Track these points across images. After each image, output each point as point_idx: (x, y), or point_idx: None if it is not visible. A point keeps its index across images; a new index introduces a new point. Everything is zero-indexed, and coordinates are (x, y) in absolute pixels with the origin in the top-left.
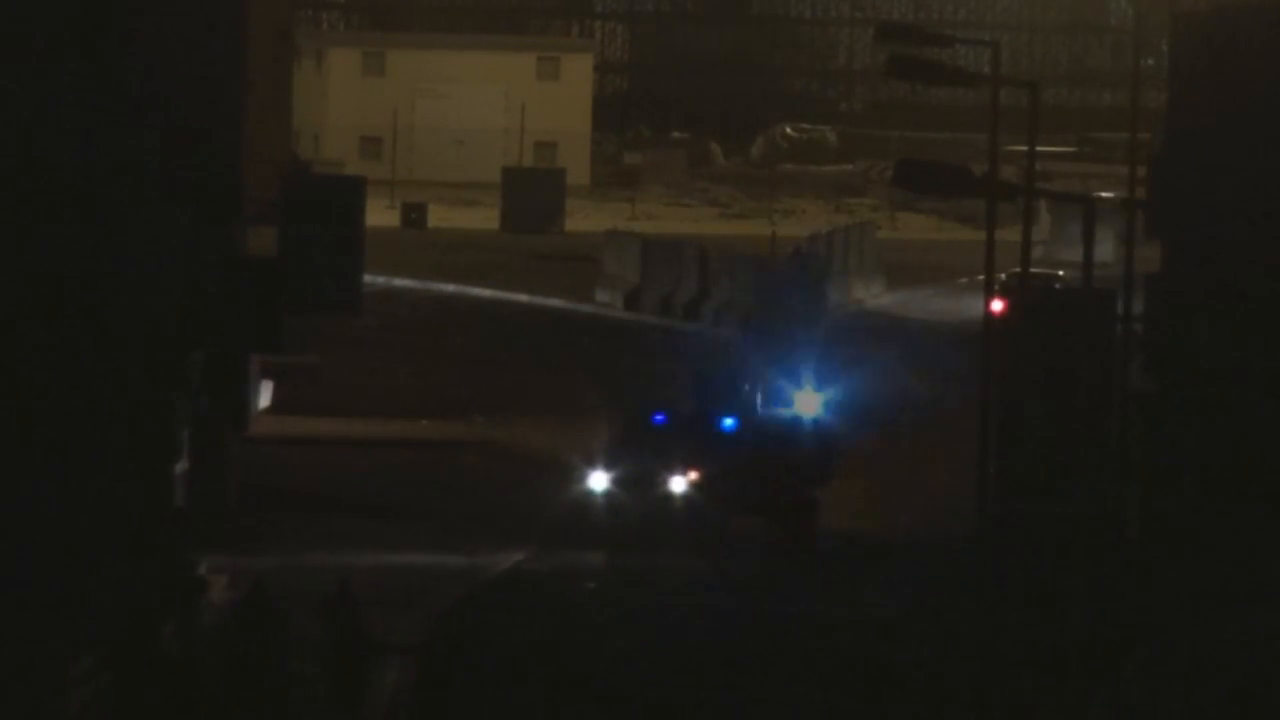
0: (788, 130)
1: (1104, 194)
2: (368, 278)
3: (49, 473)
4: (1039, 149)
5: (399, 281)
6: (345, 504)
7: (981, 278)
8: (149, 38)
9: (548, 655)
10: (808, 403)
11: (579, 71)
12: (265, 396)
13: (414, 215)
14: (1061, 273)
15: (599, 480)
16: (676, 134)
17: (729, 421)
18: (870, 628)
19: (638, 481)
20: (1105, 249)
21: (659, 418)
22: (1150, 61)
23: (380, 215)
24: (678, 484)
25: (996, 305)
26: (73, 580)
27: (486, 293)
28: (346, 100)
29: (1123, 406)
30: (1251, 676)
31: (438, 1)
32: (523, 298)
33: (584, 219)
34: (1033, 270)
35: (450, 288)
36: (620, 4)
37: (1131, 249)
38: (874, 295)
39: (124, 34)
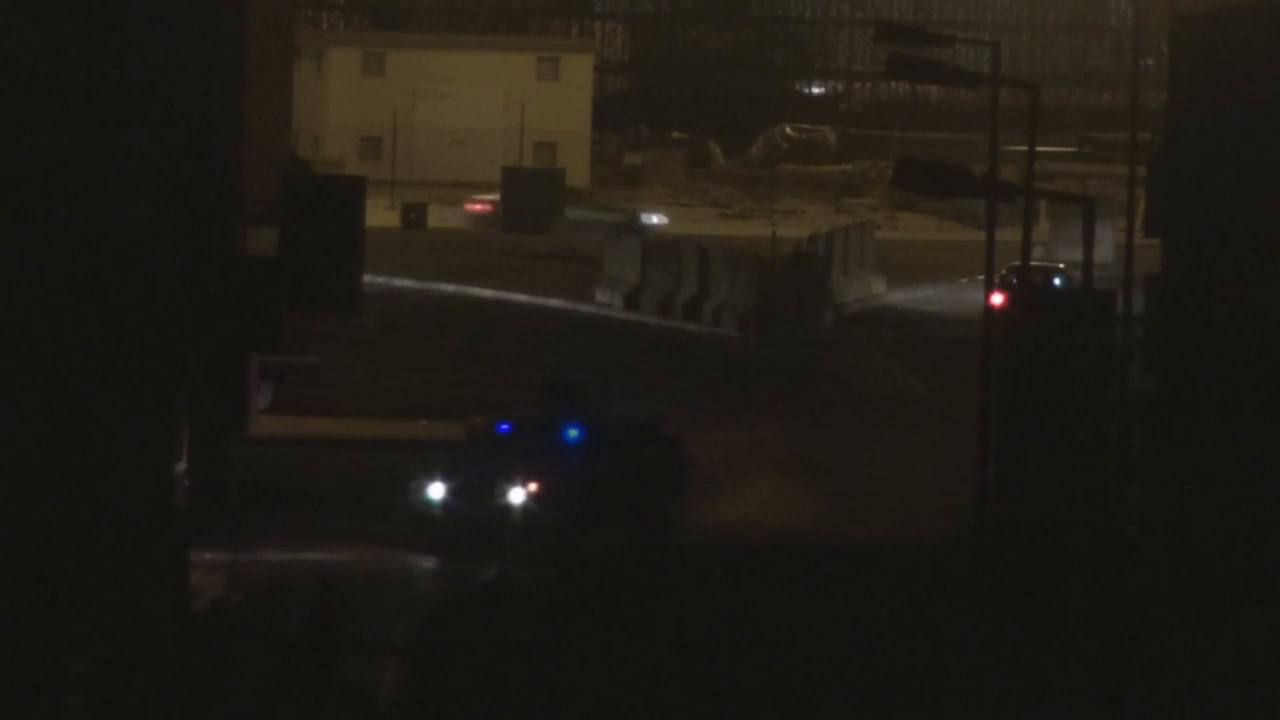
0: (788, 130)
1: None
2: (368, 278)
3: (48, 473)
4: (1039, 149)
5: (399, 281)
6: (345, 504)
7: (981, 277)
8: (149, 37)
9: (546, 656)
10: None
11: (579, 71)
12: (265, 396)
13: (414, 215)
14: (1062, 265)
15: (436, 490)
16: (676, 134)
17: (574, 432)
18: (866, 629)
19: (475, 492)
20: (1104, 249)
21: (503, 427)
22: (1150, 61)
23: (380, 215)
24: (516, 495)
25: (997, 299)
26: (71, 580)
27: (486, 293)
28: (346, 100)
29: (1123, 406)
30: (1251, 676)
31: (438, 1)
32: (523, 298)
33: None
34: (1034, 263)
35: (450, 288)
36: (620, 4)
37: (1131, 249)
38: (874, 295)
39: (124, 34)
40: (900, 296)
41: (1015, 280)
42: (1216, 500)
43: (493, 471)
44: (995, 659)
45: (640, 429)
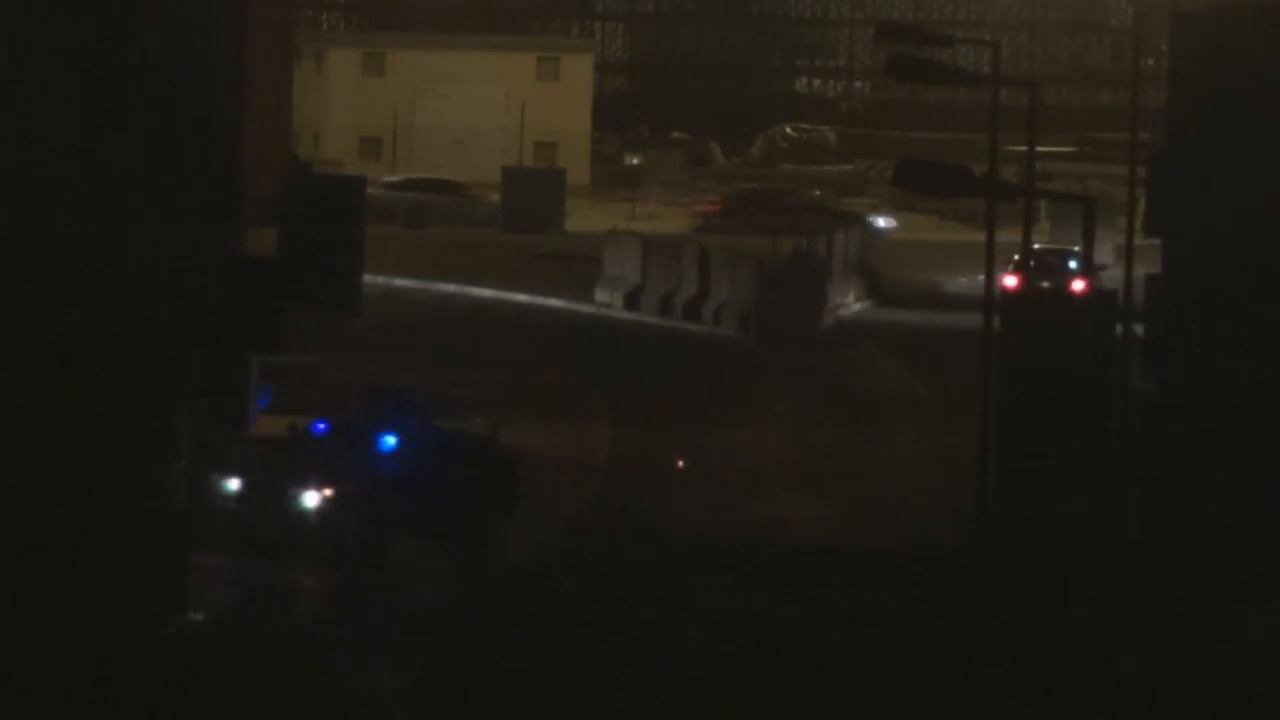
0: (788, 130)
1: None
2: (368, 278)
3: (49, 473)
4: (1039, 149)
5: (399, 281)
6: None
7: (981, 276)
8: (149, 37)
9: (548, 656)
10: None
11: (579, 71)
12: (265, 397)
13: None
14: (1077, 248)
15: (232, 484)
16: (676, 134)
17: (390, 439)
18: (866, 629)
19: (269, 490)
20: (1104, 250)
21: (320, 427)
22: (1150, 61)
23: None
24: (310, 499)
25: (1011, 281)
26: (71, 581)
27: (486, 293)
28: (346, 100)
29: (1123, 407)
30: (1251, 676)
31: (438, 1)
32: (523, 298)
33: (584, 219)
34: (1050, 246)
35: (450, 288)
36: (620, 4)
37: (1131, 249)
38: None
39: (124, 34)
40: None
41: (1032, 264)
42: (1216, 500)
43: (290, 472)
44: (995, 659)
45: (465, 440)
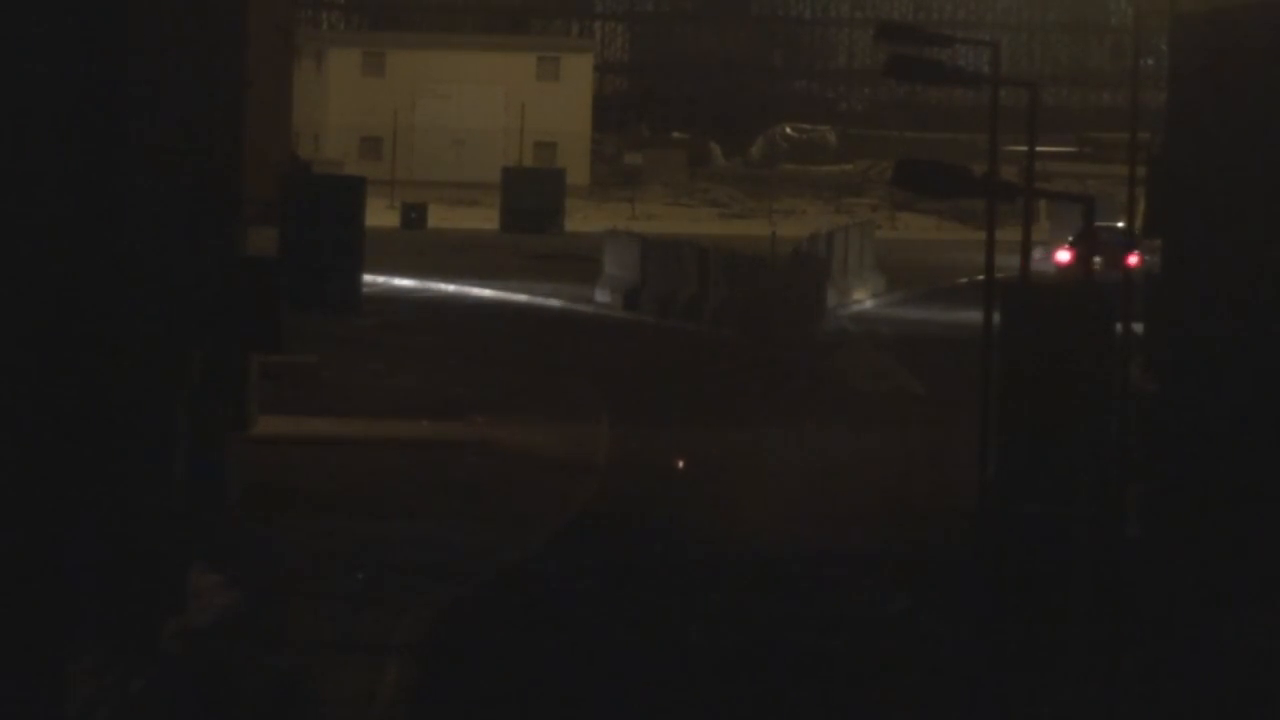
0: (788, 130)
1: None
2: (368, 278)
3: (47, 474)
4: (1039, 149)
5: (399, 281)
6: (344, 504)
7: (982, 277)
8: (148, 37)
9: (548, 657)
10: None
11: (579, 71)
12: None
13: (414, 215)
14: (1120, 224)
15: None
16: (676, 134)
17: None
18: (866, 629)
19: None
20: None
21: None
22: (1150, 61)
23: (380, 215)
24: None
25: (1064, 256)
26: (71, 582)
27: (486, 293)
28: (346, 100)
29: (1123, 406)
30: (1251, 676)
31: (438, 1)
32: (522, 298)
33: (584, 219)
34: (1103, 224)
35: (450, 288)
36: (620, 4)
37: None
38: (875, 295)
39: (123, 33)
40: (900, 296)
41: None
42: (1216, 500)
43: None
44: (995, 659)
45: None
